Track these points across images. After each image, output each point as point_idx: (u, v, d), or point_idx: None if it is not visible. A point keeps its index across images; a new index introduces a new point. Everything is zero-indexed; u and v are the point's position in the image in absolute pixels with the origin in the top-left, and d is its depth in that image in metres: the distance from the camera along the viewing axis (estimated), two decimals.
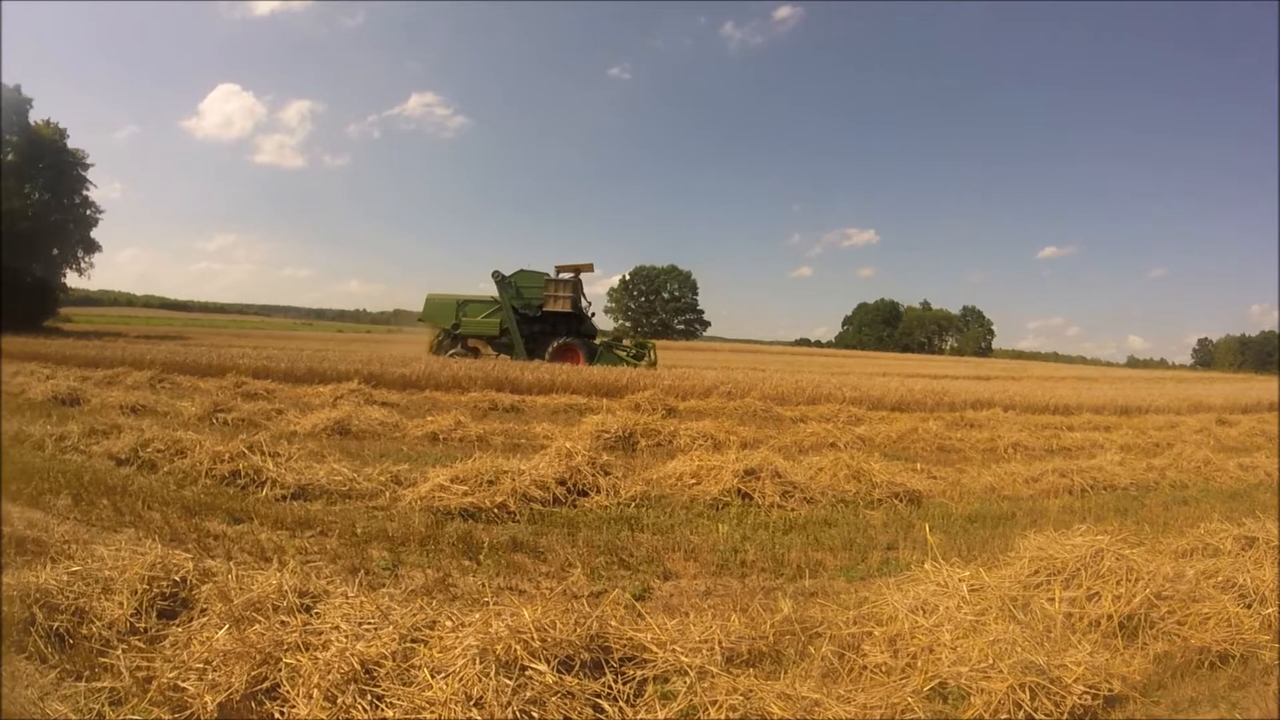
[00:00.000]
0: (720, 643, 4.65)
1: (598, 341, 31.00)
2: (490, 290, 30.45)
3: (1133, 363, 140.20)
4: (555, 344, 29.25)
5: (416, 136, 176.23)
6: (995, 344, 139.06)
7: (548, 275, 30.72)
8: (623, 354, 31.06)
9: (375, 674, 3.87)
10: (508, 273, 29.60)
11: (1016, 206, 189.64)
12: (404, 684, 3.82)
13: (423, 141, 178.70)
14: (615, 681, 4.10)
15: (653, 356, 31.63)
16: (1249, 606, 6.14)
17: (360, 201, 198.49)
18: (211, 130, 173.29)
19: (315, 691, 3.73)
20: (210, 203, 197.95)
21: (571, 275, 30.83)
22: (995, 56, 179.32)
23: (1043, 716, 4.30)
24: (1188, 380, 59.20)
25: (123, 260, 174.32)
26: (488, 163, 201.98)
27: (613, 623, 4.56)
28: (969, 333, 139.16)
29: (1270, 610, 6.16)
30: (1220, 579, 6.52)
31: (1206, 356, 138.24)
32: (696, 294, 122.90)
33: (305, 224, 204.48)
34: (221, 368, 21.18)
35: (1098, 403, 25.72)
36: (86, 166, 51.10)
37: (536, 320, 30.15)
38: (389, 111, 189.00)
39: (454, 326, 30.08)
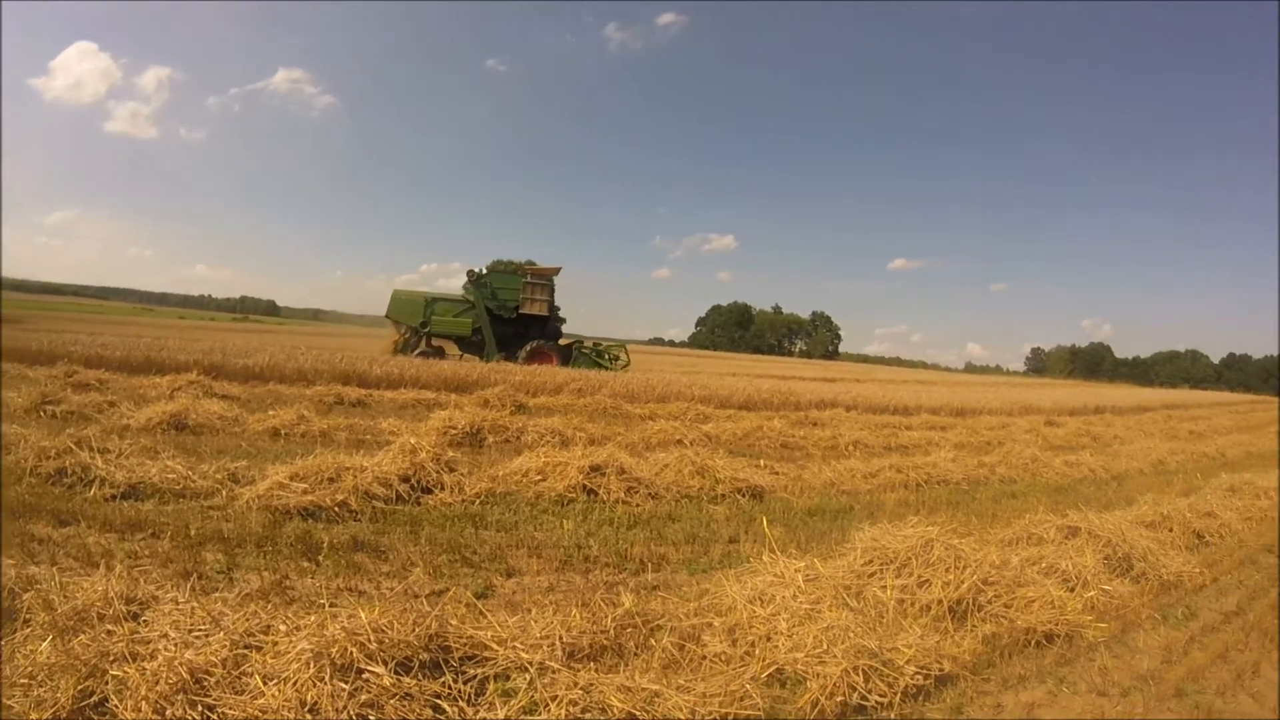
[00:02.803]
0: (561, 638, 4.69)
1: (562, 343, 30.68)
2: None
3: (970, 368, 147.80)
4: (530, 346, 28.85)
5: (280, 114, 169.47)
6: (843, 348, 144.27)
7: (523, 277, 30.28)
8: (599, 359, 31.01)
9: (205, 683, 3.76)
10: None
11: (871, 220, 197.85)
12: (235, 692, 3.74)
13: (286, 120, 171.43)
14: (455, 681, 4.11)
15: (626, 359, 31.78)
16: (1071, 590, 6.69)
17: (214, 180, 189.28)
18: (61, 92, 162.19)
19: (144, 704, 3.62)
20: (53, 172, 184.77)
21: (548, 279, 30.44)
22: (859, 74, 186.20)
23: (877, 697, 4.54)
24: (1020, 385, 62.53)
25: None
26: (353, 147, 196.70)
27: (453, 621, 4.56)
28: (818, 336, 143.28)
29: (1092, 593, 6.71)
30: (1044, 565, 7.07)
31: (1039, 364, 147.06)
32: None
33: (154, 201, 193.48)
34: (52, 355, 19.74)
35: (935, 404, 26.87)
36: None
37: (509, 322, 29.62)
38: (253, 85, 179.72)
39: (422, 325, 29.04)
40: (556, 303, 30.55)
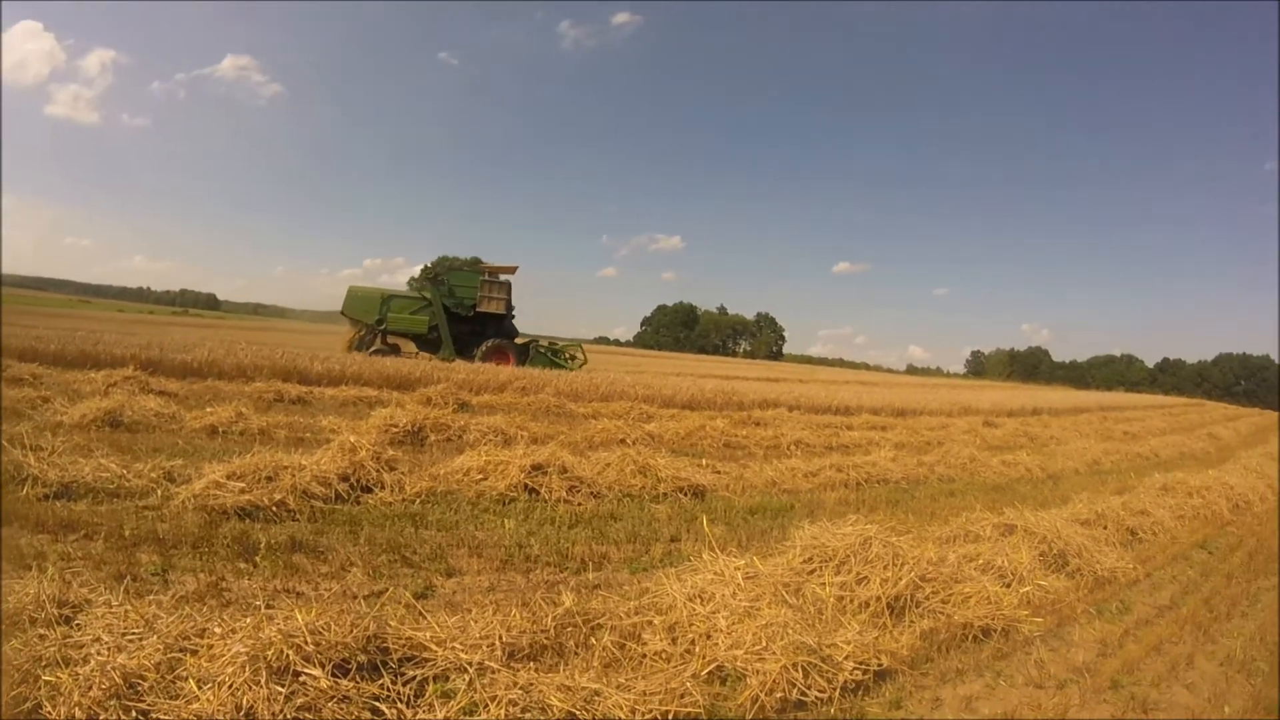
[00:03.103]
0: (501, 638, 4.70)
1: (519, 341, 30.49)
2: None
3: (912, 370, 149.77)
4: (487, 345, 28.78)
5: (226, 103, 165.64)
6: (786, 349, 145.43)
7: (482, 275, 30.13)
8: (556, 357, 30.94)
9: (139, 688, 3.72)
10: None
11: (817, 223, 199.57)
12: (170, 697, 3.70)
13: (232, 108, 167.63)
14: (394, 683, 4.10)
15: (583, 358, 31.72)
16: (1008, 586, 6.83)
17: (156, 168, 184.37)
18: (4, 73, 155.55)
19: (77, 710, 3.57)
20: None
21: (507, 277, 30.31)
22: (808, 80, 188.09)
23: (816, 693, 4.61)
24: (960, 387, 63.56)
25: None
26: (299, 138, 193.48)
27: (392, 623, 4.57)
28: (762, 337, 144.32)
29: (1028, 588, 6.87)
30: (981, 562, 7.21)
31: (979, 367, 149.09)
32: None
33: (94, 189, 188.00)
34: None
35: (876, 405, 27.19)
36: None
37: (466, 320, 29.46)
38: (200, 71, 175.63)
39: (378, 322, 28.74)
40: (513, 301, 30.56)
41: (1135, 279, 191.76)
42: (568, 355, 31.74)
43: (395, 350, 28.71)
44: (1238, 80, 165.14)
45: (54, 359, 18.63)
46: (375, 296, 29.33)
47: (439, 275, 29.25)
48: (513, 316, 30.60)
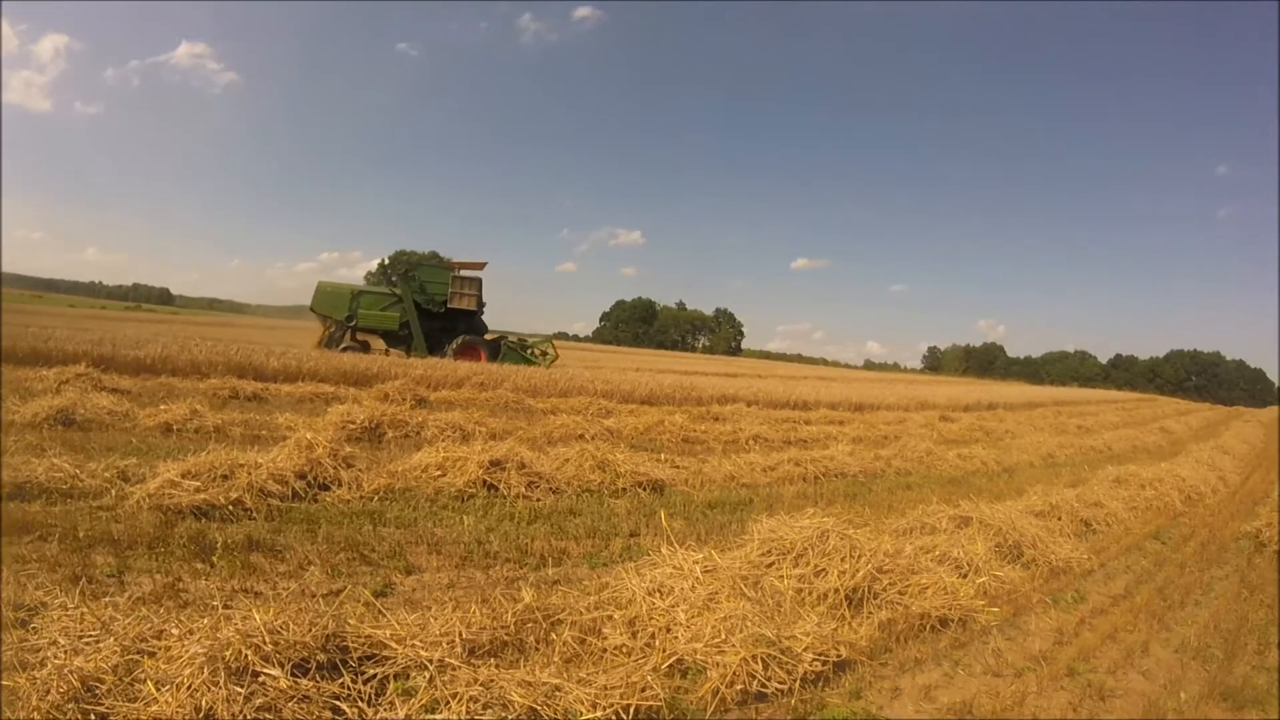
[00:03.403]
0: (461, 635, 4.70)
1: (488, 337, 30.49)
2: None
3: (869, 365, 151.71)
4: (458, 341, 28.83)
5: (181, 90, 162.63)
6: (745, 345, 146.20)
7: (451, 271, 30.03)
8: (527, 353, 30.92)
9: (97, 691, 3.69)
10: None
11: (775, 220, 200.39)
12: (129, 699, 3.68)
13: (188, 97, 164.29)
14: (354, 681, 4.09)
15: (554, 354, 31.82)
16: (964, 576, 6.95)
17: (109, 158, 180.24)
18: None
19: (35, 714, 3.54)
20: None
21: (476, 273, 30.24)
22: (766, 77, 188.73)
23: (776, 685, 4.66)
24: (917, 382, 63.93)
25: None
26: (253, 128, 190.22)
27: (351, 621, 4.55)
28: (721, 333, 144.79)
29: (984, 579, 7.00)
30: (937, 554, 7.32)
31: (935, 362, 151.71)
32: None
33: (45, 179, 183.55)
34: None
35: (834, 400, 27.40)
36: None
37: (437, 316, 29.35)
38: (154, 58, 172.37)
39: (348, 318, 28.53)
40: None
41: (1089, 276, 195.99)
42: (539, 351, 31.82)
43: (365, 347, 28.63)
44: (1195, 89, 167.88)
45: (4, 356, 18.25)
46: (345, 293, 29.16)
47: (409, 271, 29.10)
48: (482, 312, 30.59)
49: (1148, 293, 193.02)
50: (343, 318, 28.65)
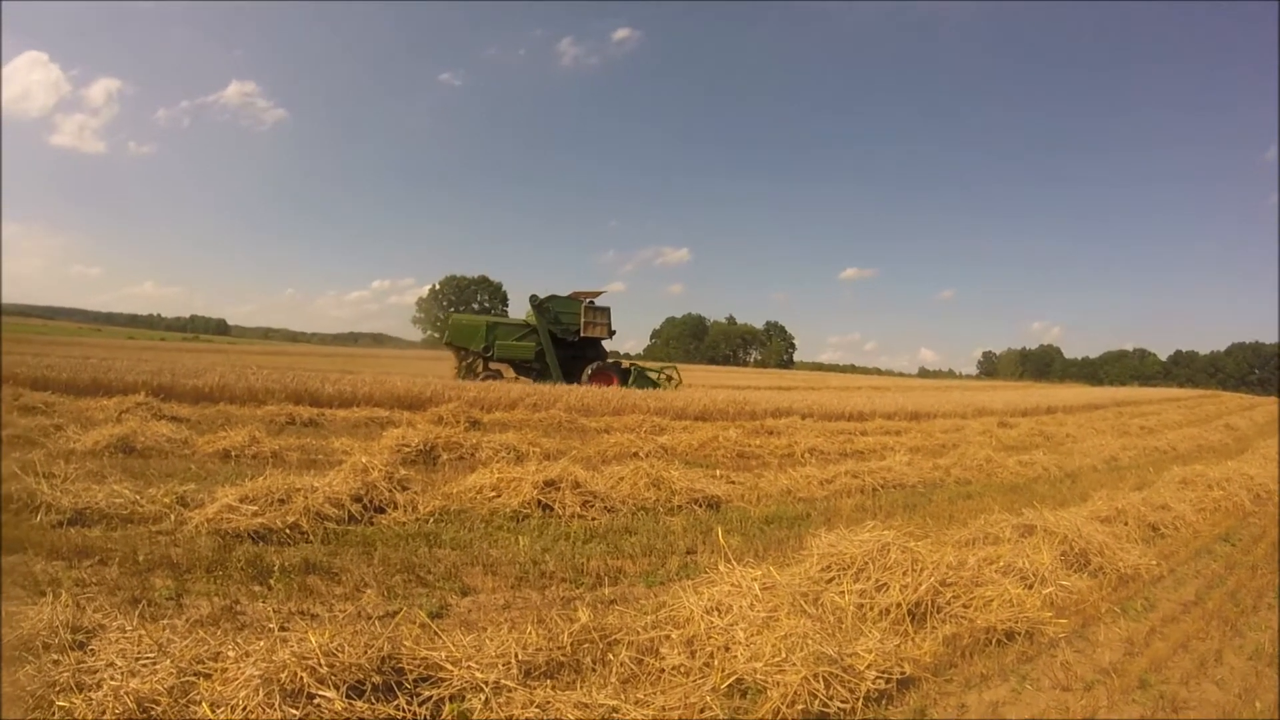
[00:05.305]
0: (517, 656, 4.66)
1: (610, 362, 31.31)
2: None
3: (923, 373, 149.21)
4: (593, 367, 29.91)
5: (231, 129, 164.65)
6: (797, 357, 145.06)
7: (580, 301, 30.79)
8: (653, 376, 31.81)
9: (152, 712, 3.70)
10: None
11: (822, 230, 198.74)
12: None
13: (237, 134, 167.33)
14: (409, 703, 4.07)
15: (678, 379, 32.50)
16: (1030, 587, 6.74)
17: (163, 196, 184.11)
18: (7, 103, 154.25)
19: None
20: None
21: (605, 303, 31.23)
22: (807, 87, 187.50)
23: (839, 704, 4.54)
24: (973, 388, 63.20)
25: None
26: (303, 162, 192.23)
27: (406, 643, 4.52)
28: (772, 346, 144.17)
29: (1050, 589, 6.79)
30: (1002, 564, 7.10)
31: (990, 367, 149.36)
32: (507, 306, 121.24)
33: (100, 217, 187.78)
34: None
35: (889, 409, 26.99)
36: None
37: (567, 345, 30.26)
38: (204, 98, 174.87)
39: (485, 350, 29.64)
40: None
41: (1144, 272, 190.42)
42: (664, 376, 32.52)
43: (498, 375, 29.34)
44: (1236, 72, 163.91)
45: (66, 387, 18.64)
46: (480, 325, 30.55)
47: (543, 303, 29.79)
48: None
49: (1204, 285, 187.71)
50: (479, 349, 29.69)
